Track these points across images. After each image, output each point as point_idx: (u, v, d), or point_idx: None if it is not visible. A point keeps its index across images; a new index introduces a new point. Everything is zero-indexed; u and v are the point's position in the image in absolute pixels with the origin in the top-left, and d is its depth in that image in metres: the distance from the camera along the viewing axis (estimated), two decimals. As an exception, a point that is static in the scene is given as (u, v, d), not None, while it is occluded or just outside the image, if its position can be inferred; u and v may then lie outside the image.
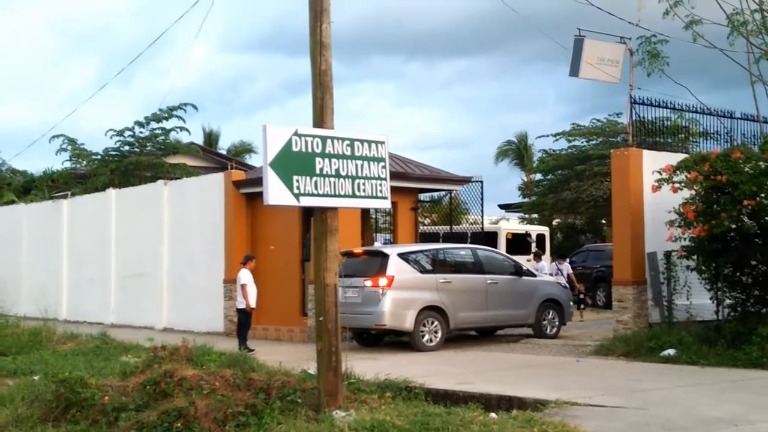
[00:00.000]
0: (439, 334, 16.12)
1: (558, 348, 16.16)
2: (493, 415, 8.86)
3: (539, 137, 59.20)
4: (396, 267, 16.07)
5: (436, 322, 16.11)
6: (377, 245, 18.17)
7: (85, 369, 12.01)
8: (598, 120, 36.02)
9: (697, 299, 15.32)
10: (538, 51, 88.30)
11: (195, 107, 30.02)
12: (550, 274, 20.97)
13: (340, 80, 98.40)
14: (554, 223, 38.45)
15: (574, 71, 17.44)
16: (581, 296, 22.68)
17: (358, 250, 17.10)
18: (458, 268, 17.31)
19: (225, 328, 19.91)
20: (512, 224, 34.02)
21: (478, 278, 17.10)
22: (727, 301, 14.95)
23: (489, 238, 24.80)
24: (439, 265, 16.96)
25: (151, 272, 22.63)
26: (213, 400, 8.87)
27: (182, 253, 21.88)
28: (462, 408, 9.05)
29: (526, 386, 11.10)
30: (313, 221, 9.94)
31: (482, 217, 23.29)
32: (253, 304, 16.60)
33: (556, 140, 36.57)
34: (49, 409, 9.48)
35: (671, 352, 13.69)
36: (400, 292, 15.87)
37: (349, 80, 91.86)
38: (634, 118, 16.82)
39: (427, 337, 15.98)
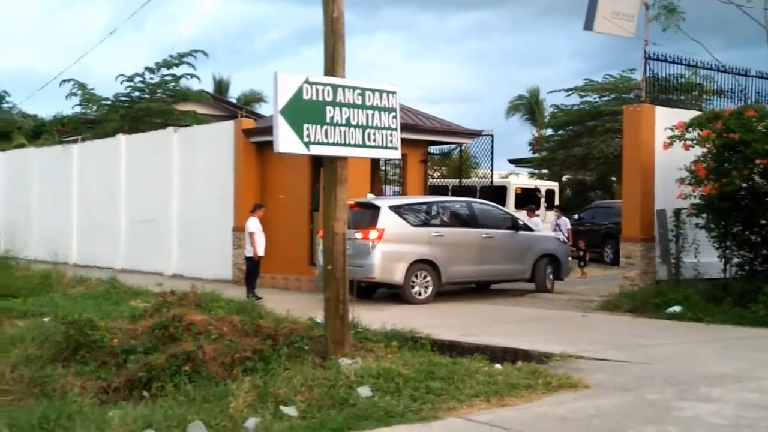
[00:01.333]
0: (430, 288, 16.05)
1: (564, 303, 16.23)
2: (497, 366, 8.94)
3: (551, 92, 58.62)
4: (387, 220, 15.96)
5: (427, 276, 16.03)
6: (370, 197, 17.89)
7: (94, 312, 12.10)
8: (612, 76, 35.69)
9: (704, 257, 15.30)
10: (553, 4, 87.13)
11: (206, 54, 29.93)
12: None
13: (352, 31, 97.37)
14: (564, 178, 38.32)
15: (589, 25, 17.22)
16: (581, 253, 22.47)
17: (351, 201, 16.90)
18: (452, 221, 17.15)
19: (233, 275, 20.01)
20: (522, 179, 33.88)
21: (473, 232, 16.96)
22: (735, 260, 14.94)
23: (498, 193, 24.74)
24: (433, 218, 16.87)
25: (161, 219, 22.70)
26: (221, 345, 8.98)
27: (192, 201, 21.92)
28: (467, 359, 9.13)
29: (531, 339, 11.16)
30: (323, 170, 9.94)
31: (492, 171, 23.23)
32: (261, 252, 16.62)
33: (568, 95, 36.26)
34: (58, 350, 9.61)
35: (677, 308, 13.72)
36: (391, 245, 15.77)
37: (360, 31, 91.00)
38: (647, 74, 16.63)
39: (417, 290, 15.93)
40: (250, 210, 17.19)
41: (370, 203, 16.85)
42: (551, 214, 25.71)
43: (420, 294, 15.96)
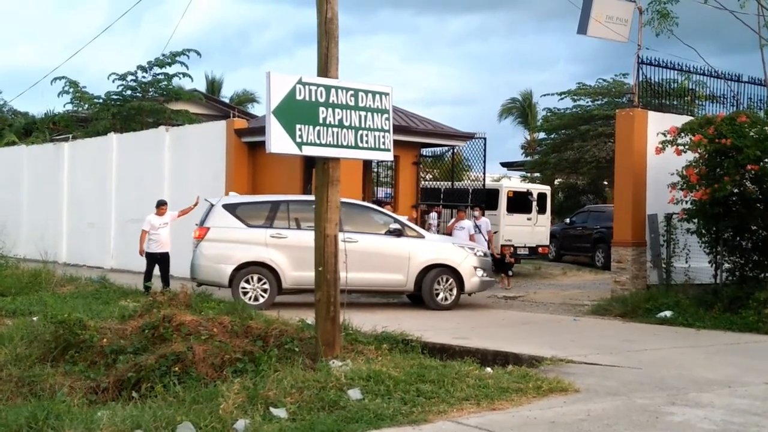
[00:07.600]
0: (267, 293, 14.88)
1: (555, 307, 16.24)
2: (488, 369, 8.92)
3: (544, 95, 58.95)
4: (216, 218, 15.34)
5: (264, 280, 14.92)
6: (232, 194, 16.76)
7: (84, 311, 12.05)
8: (604, 80, 35.78)
9: (695, 262, 15.36)
10: (551, 9, 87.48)
11: (198, 53, 29.83)
12: (472, 236, 18.67)
13: (350, 33, 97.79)
14: (556, 182, 38.35)
15: (582, 29, 17.25)
16: (504, 260, 20.52)
17: (208, 200, 16.28)
18: (303, 222, 15.23)
19: (224, 276, 19.89)
20: (514, 182, 33.87)
21: None
22: (726, 265, 14.99)
23: (490, 196, 24.73)
24: (278, 218, 15.45)
25: (152, 218, 22.58)
26: (211, 346, 8.92)
27: (183, 200, 21.68)
28: (458, 362, 9.11)
29: (522, 343, 11.16)
30: (314, 171, 9.91)
31: (484, 174, 23.24)
32: (152, 249, 16.59)
33: (561, 99, 36.34)
34: (47, 349, 9.54)
35: (668, 313, 13.76)
36: (216, 244, 15.16)
37: (358, 33, 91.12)
38: (640, 78, 16.70)
39: (251, 294, 14.82)
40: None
41: (209, 201, 15.99)
42: (544, 218, 25.68)
43: (255, 299, 14.72)
